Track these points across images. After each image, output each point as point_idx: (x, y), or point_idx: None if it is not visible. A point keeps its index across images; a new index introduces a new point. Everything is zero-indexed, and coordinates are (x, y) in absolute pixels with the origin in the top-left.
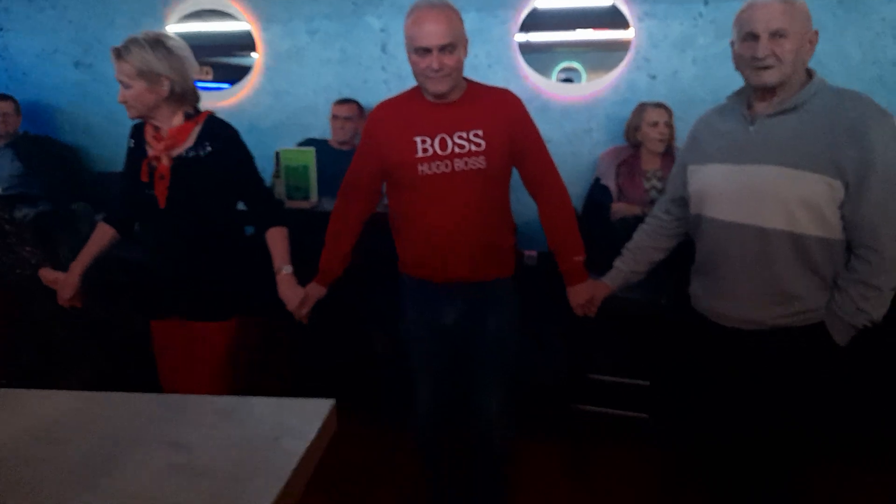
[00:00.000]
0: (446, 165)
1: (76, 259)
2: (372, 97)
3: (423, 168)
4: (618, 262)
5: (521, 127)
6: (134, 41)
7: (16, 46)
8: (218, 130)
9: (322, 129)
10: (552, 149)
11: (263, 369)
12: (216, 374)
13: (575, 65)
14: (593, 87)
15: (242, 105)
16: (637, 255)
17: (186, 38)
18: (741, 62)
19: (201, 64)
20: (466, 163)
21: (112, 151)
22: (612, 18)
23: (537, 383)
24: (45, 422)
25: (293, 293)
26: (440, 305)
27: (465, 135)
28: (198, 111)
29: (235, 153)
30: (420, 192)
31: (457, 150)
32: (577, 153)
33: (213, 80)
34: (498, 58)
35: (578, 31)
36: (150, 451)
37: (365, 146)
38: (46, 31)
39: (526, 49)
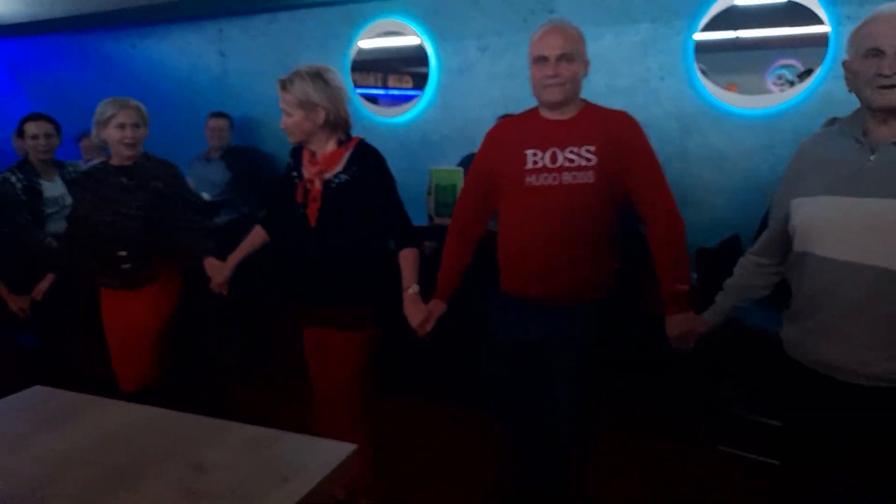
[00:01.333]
0: (554, 178)
1: (233, 252)
2: None
3: (531, 179)
4: (719, 298)
5: (632, 146)
6: (297, 74)
7: (233, 70)
8: (365, 156)
9: None
10: (725, 165)
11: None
12: (355, 379)
13: (794, 63)
14: (778, 98)
15: (415, 118)
16: (738, 293)
17: (378, 52)
18: (860, 82)
19: (399, 73)
20: (575, 177)
21: None
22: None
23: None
24: (115, 430)
25: (417, 310)
26: (525, 322)
27: (576, 150)
28: (349, 137)
29: (378, 178)
30: (526, 203)
31: (566, 163)
32: (754, 171)
33: (411, 88)
34: (671, 69)
35: (782, 28)
36: (174, 470)
37: (479, 162)
38: (256, 56)
39: (734, 46)
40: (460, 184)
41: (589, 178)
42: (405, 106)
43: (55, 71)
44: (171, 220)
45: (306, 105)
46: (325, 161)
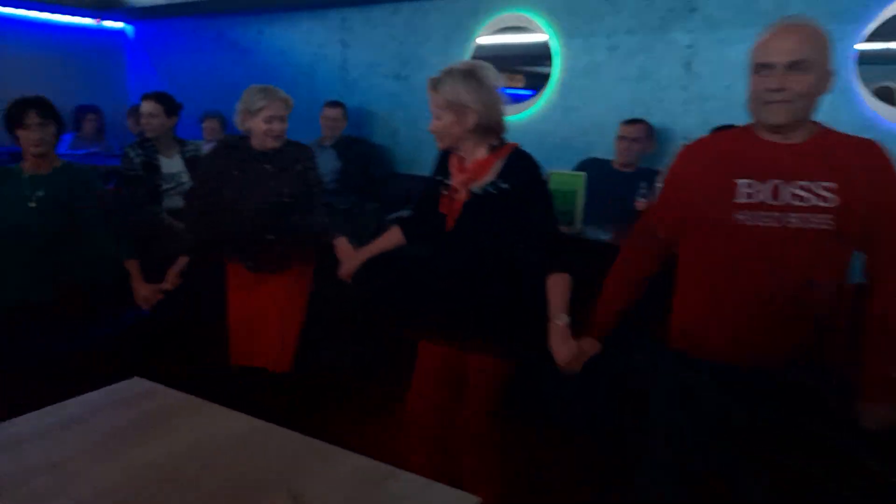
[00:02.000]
0: (776, 219)
1: (367, 246)
2: (666, 118)
3: (743, 217)
4: None
5: (883, 187)
6: (449, 72)
7: (352, 60)
8: (519, 165)
9: (608, 148)
10: None
11: None
12: (485, 413)
13: None
14: None
15: (533, 119)
16: None
17: (494, 49)
18: None
19: (512, 72)
20: (806, 220)
21: (413, 155)
22: None
23: None
24: (212, 442)
25: (566, 347)
26: (727, 397)
27: (808, 185)
28: (502, 143)
29: (532, 191)
30: (734, 247)
31: (794, 201)
32: None
33: (523, 88)
34: None
35: None
36: (272, 500)
37: (669, 187)
38: (376, 47)
39: (884, 58)
40: (580, 190)
41: (826, 223)
42: (522, 105)
43: (185, 53)
44: (310, 201)
45: (456, 107)
46: (473, 169)
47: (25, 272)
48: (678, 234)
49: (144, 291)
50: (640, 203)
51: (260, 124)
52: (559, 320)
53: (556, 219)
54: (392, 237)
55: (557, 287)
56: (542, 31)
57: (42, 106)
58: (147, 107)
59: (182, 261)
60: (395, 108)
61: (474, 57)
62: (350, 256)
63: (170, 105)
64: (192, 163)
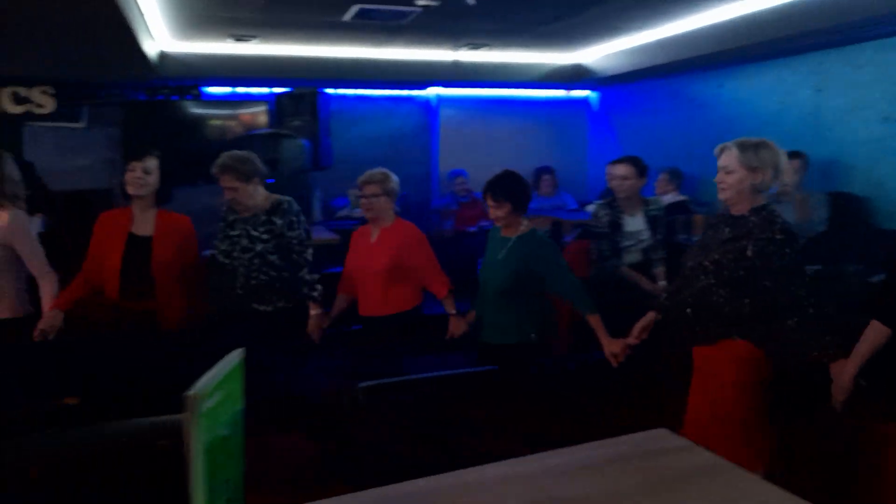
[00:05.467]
0: None
1: (854, 355)
2: None
3: None
4: None
5: None
6: None
7: (827, 105)
8: None
9: None
10: None
11: None
12: None
13: None
14: None
15: None
16: None
17: None
18: None
19: None
20: None
21: None
22: None
23: None
24: None
25: None
26: None
27: None
28: None
29: None
30: None
31: None
32: None
33: None
34: None
35: None
36: None
37: None
38: (860, 88)
39: None
40: None
41: None
42: None
43: (642, 113)
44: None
45: None
46: None
47: (490, 318)
48: None
49: (613, 347)
50: None
51: None
52: None
53: None
54: (878, 334)
55: None
56: None
57: (493, 187)
58: (621, 169)
59: (650, 317)
60: (881, 156)
61: None
62: (842, 373)
63: (641, 167)
64: (653, 221)
